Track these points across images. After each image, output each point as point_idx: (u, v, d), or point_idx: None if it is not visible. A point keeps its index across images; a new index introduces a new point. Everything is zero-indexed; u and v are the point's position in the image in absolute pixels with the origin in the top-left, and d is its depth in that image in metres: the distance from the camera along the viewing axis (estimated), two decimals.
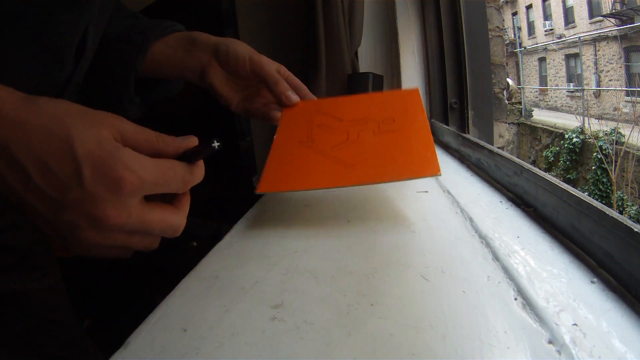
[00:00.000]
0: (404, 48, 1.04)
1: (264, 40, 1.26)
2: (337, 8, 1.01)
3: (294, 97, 0.54)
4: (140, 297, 0.99)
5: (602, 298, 0.28)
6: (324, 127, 0.48)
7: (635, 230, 0.27)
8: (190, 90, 0.58)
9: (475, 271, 0.33)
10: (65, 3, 0.35)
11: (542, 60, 10.66)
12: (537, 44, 10.59)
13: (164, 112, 0.89)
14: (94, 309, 1.13)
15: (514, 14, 11.48)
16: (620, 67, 7.61)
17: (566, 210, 0.37)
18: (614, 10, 7.63)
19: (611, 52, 7.84)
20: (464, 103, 0.98)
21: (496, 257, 0.34)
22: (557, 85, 9.83)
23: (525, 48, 11.04)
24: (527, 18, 11.02)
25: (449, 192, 0.53)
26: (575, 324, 0.25)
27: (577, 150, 6.71)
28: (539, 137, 8.04)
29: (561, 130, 7.26)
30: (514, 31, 11.42)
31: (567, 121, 7.59)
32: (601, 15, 8.03)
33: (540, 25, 10.39)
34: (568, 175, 6.79)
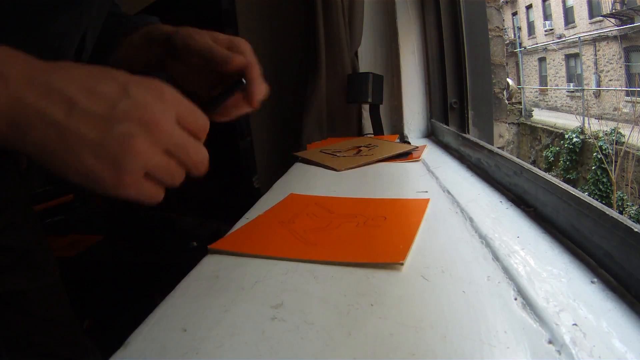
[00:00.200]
0: (404, 48, 1.04)
1: (264, 40, 1.26)
2: (337, 8, 1.01)
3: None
4: (140, 297, 0.99)
5: (602, 298, 0.28)
6: (311, 215, 0.49)
7: (635, 230, 0.27)
8: None
9: (475, 271, 0.33)
10: (66, 4, 0.35)
11: (542, 60, 10.66)
12: (537, 44, 10.59)
13: None
14: (94, 309, 1.13)
15: (514, 14, 11.48)
16: (620, 67, 7.61)
17: (566, 210, 0.37)
18: (614, 10, 7.63)
19: (611, 52, 7.84)
20: (464, 103, 0.98)
21: (496, 257, 0.34)
22: (557, 85, 9.83)
23: (525, 48, 11.04)
24: (527, 18, 11.02)
25: (449, 192, 0.53)
26: (575, 324, 0.25)
27: (577, 150, 6.71)
28: (539, 137, 8.04)
29: (561, 130, 7.26)
30: (514, 31, 11.42)
31: (567, 121, 7.59)
32: (601, 15, 8.03)
33: (540, 25, 10.39)
34: (568, 175, 6.79)
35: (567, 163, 6.84)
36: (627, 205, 5.42)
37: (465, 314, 0.27)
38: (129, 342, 0.28)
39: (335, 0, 1.01)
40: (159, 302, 0.32)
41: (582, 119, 7.13)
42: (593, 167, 6.07)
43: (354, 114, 1.12)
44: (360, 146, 0.87)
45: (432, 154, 0.82)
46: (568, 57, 9.48)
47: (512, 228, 0.40)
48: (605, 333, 0.24)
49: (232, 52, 0.41)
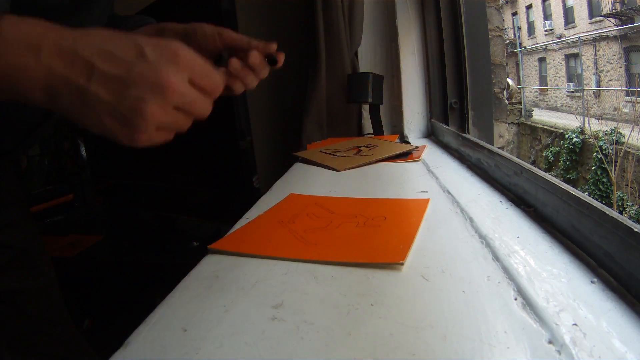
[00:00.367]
0: (404, 48, 1.04)
1: (264, 40, 1.26)
2: (337, 8, 1.01)
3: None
4: (140, 297, 0.99)
5: (602, 298, 0.28)
6: (311, 215, 0.49)
7: (635, 230, 0.27)
8: None
9: (475, 271, 0.33)
10: (72, 9, 0.35)
11: (542, 60, 10.65)
12: (537, 44, 10.59)
13: None
14: (94, 309, 1.13)
15: (514, 14, 11.47)
16: (620, 67, 7.60)
17: (566, 210, 0.37)
18: (614, 10, 7.62)
19: (611, 52, 7.84)
20: (464, 103, 0.98)
21: (496, 257, 0.34)
22: (557, 85, 9.83)
23: (525, 48, 11.04)
24: (527, 18, 11.01)
25: (449, 192, 0.53)
26: (575, 324, 0.25)
27: (577, 150, 6.71)
28: (539, 137, 8.04)
29: (561, 130, 7.26)
30: (514, 31, 11.41)
31: (567, 121, 7.59)
32: (601, 15, 8.03)
33: (540, 25, 10.38)
34: (568, 175, 6.79)
35: (567, 163, 6.83)
36: (627, 205, 5.42)
37: (465, 314, 0.27)
38: (129, 342, 0.28)
39: (335, 0, 1.01)
40: (159, 302, 0.32)
41: (582, 119, 7.13)
42: (593, 167, 6.07)
43: (354, 114, 1.12)
44: (360, 146, 0.87)
45: (432, 154, 0.82)
46: (568, 57, 9.48)
47: (512, 228, 0.40)
48: (605, 333, 0.24)
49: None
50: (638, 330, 0.24)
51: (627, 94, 7.24)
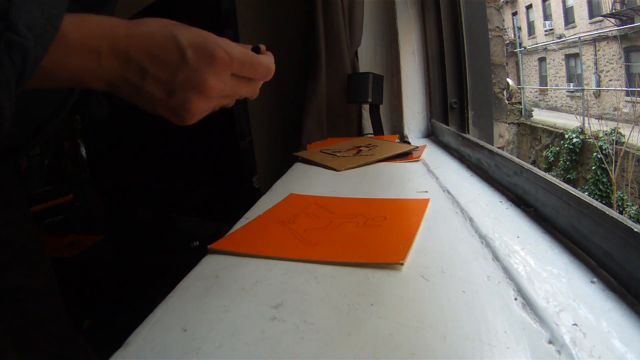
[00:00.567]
0: (404, 48, 1.04)
1: (264, 40, 1.26)
2: (337, 8, 1.01)
3: None
4: (140, 297, 0.99)
5: (602, 298, 0.28)
6: (311, 215, 0.49)
7: (635, 230, 0.27)
8: None
9: (475, 271, 0.33)
10: (86, 8, 0.36)
11: (542, 60, 10.65)
12: (537, 44, 10.58)
13: None
14: (94, 309, 1.13)
15: (514, 14, 11.47)
16: (620, 67, 7.60)
17: (566, 210, 0.37)
18: (614, 10, 7.62)
19: (611, 52, 7.83)
20: (464, 103, 0.98)
21: (496, 257, 0.34)
22: (557, 85, 9.83)
23: (525, 48, 11.03)
24: (527, 18, 11.01)
25: (449, 192, 0.53)
26: (575, 324, 0.25)
27: (577, 150, 6.71)
28: (539, 137, 8.04)
29: (561, 130, 7.26)
30: (514, 31, 11.41)
31: (567, 121, 7.58)
32: (601, 15, 8.02)
33: (540, 25, 10.38)
34: (568, 175, 6.78)
35: (567, 163, 6.84)
36: (627, 205, 5.42)
37: (465, 314, 0.27)
38: (129, 342, 0.28)
39: (335, 0, 1.01)
40: (159, 302, 0.32)
41: (582, 119, 7.13)
42: (593, 167, 6.07)
43: (354, 114, 1.12)
44: (360, 146, 0.87)
45: (432, 154, 0.82)
46: (568, 57, 9.48)
47: (512, 228, 0.40)
48: (605, 333, 0.24)
49: None
50: (638, 330, 0.24)
51: (627, 94, 7.24)
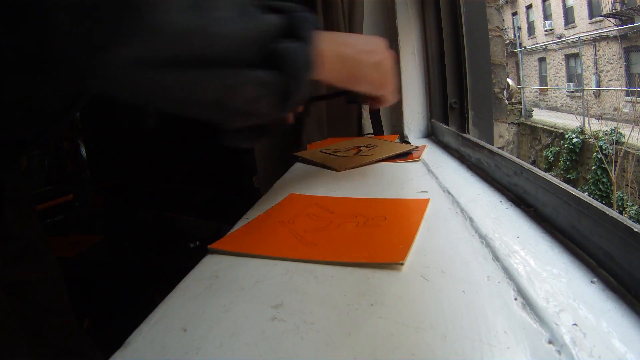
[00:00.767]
0: (404, 48, 1.04)
1: None
2: (337, 8, 1.01)
3: None
4: (140, 297, 0.99)
5: (602, 298, 0.28)
6: (311, 215, 0.49)
7: (635, 230, 0.27)
8: None
9: (475, 271, 0.33)
10: None
11: (542, 60, 10.66)
12: (537, 44, 10.59)
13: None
14: (94, 309, 1.13)
15: (514, 14, 11.47)
16: (620, 67, 7.60)
17: (566, 210, 0.37)
18: (614, 10, 7.62)
19: (611, 52, 7.84)
20: (464, 103, 0.97)
21: (496, 257, 0.34)
22: (557, 85, 9.83)
23: (525, 48, 11.03)
24: (527, 18, 11.01)
25: (449, 192, 0.53)
26: (575, 324, 0.25)
27: (577, 150, 6.71)
28: (539, 137, 8.04)
29: (561, 130, 7.26)
30: (514, 31, 11.41)
31: (567, 121, 7.59)
32: (601, 15, 8.03)
33: (540, 25, 10.38)
34: (568, 175, 6.79)
35: (567, 163, 6.84)
36: (627, 205, 5.42)
37: (465, 314, 0.27)
38: (129, 342, 0.28)
39: (335, 0, 1.01)
40: (159, 302, 0.32)
41: (582, 119, 7.14)
42: (593, 167, 6.07)
43: (354, 114, 1.12)
44: (360, 146, 0.87)
45: (432, 154, 0.82)
46: (568, 57, 9.48)
47: (512, 228, 0.40)
48: (605, 333, 0.24)
49: None
50: (638, 330, 0.24)
51: (627, 94, 7.25)
